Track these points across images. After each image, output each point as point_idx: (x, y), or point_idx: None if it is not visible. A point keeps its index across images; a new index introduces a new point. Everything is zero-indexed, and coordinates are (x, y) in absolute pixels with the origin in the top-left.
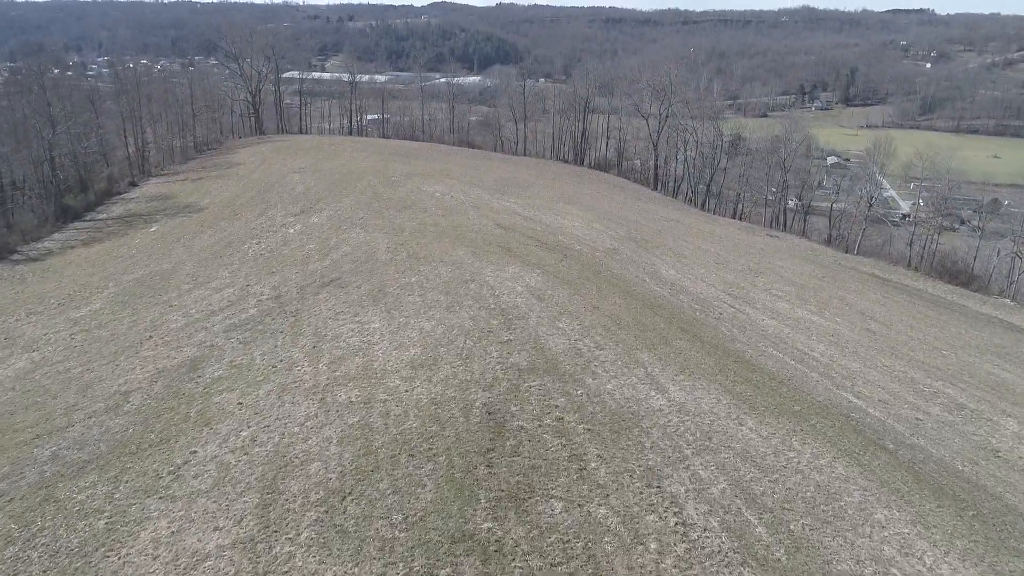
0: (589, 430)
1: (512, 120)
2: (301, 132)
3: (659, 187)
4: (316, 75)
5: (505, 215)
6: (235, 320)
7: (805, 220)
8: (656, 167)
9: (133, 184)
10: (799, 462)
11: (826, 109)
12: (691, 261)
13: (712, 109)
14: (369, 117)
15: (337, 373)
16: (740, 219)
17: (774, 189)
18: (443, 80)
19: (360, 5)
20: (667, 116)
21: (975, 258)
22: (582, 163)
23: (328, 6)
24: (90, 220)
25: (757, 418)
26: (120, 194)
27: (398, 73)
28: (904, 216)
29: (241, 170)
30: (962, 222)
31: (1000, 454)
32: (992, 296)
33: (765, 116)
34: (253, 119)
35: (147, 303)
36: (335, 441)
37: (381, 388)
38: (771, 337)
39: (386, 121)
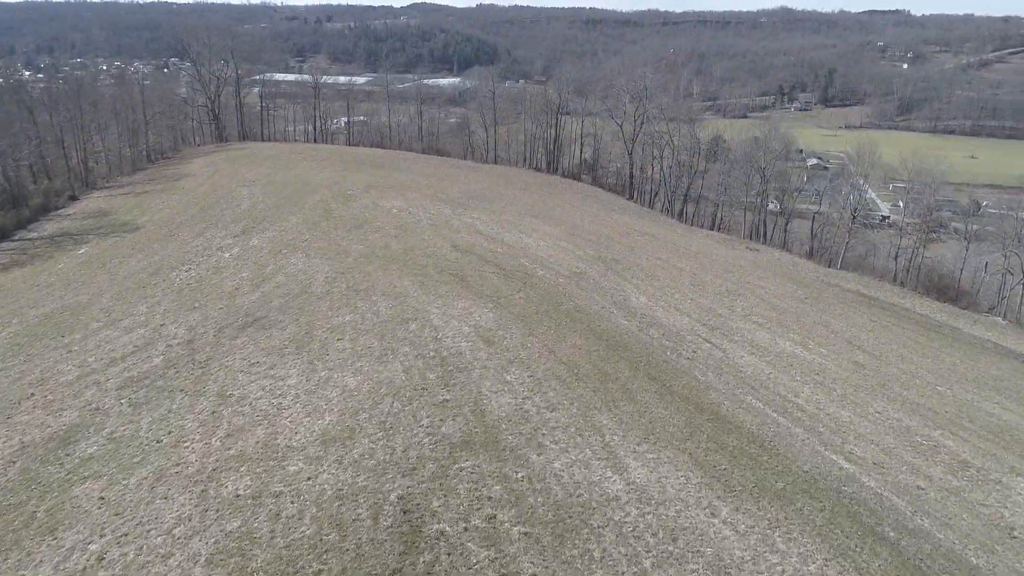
0: (526, 534)
1: (483, 126)
2: (264, 139)
3: (634, 196)
4: (280, 76)
5: (465, 234)
6: (134, 372)
7: (786, 229)
8: (631, 175)
9: (73, 198)
10: (783, 570)
11: (805, 110)
12: (664, 283)
13: (690, 112)
14: (342, 120)
15: (231, 452)
16: (719, 229)
17: (754, 193)
18: (415, 82)
19: (339, 6)
20: (643, 121)
21: (962, 270)
22: (555, 171)
23: (307, 7)
24: (18, 240)
25: (733, 503)
26: (58, 209)
27: (376, 74)
28: (884, 218)
29: (189, 183)
30: (941, 225)
31: (1016, 533)
32: (982, 314)
33: (745, 117)
34: (213, 125)
35: (46, 347)
36: (203, 560)
37: (278, 475)
38: (750, 380)
39: (353, 126)
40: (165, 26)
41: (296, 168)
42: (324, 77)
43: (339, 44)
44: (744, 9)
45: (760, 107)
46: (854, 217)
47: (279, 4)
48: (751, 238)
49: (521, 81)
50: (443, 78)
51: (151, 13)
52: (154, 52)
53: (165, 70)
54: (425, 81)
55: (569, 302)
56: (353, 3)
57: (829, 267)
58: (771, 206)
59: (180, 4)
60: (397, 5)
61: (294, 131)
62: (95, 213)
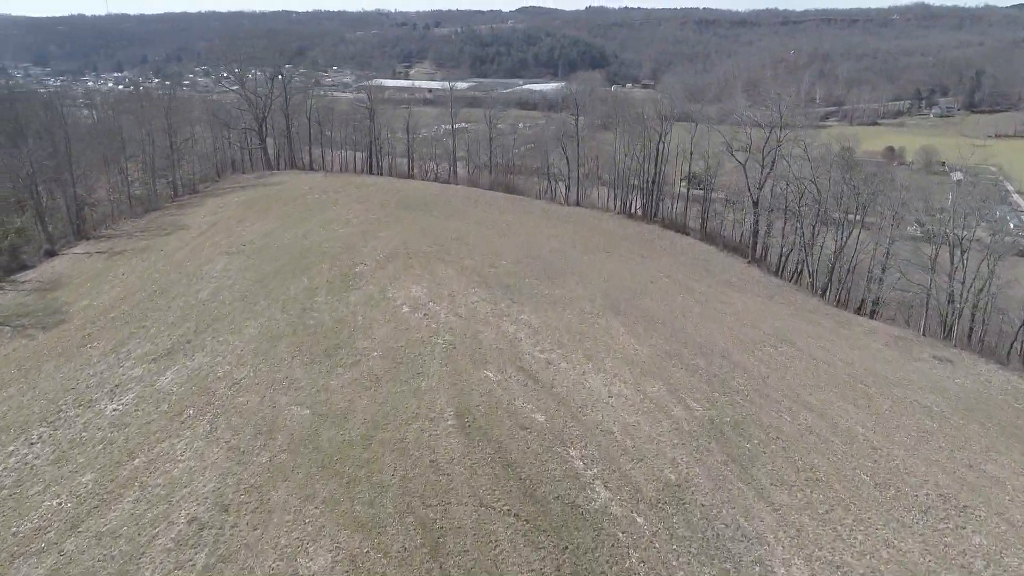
0: None
1: (570, 140)
2: (312, 166)
3: (759, 256)
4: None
5: (494, 370)
6: None
7: (985, 322)
8: (756, 229)
9: (50, 254)
10: None
11: (947, 116)
12: (840, 496)
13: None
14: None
15: None
16: (874, 315)
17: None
18: (523, 86)
19: (448, 11)
20: (774, 159)
21: None
22: (654, 216)
23: (418, 12)
24: None
25: None
26: (25, 269)
27: (480, 80)
28: None
29: (173, 242)
30: None
31: None
32: None
33: (875, 124)
34: (261, 150)
35: None
36: None
37: None
38: None
39: (413, 150)
40: (282, 34)
41: (317, 217)
42: (419, 83)
43: (445, 49)
44: (874, 6)
45: (893, 113)
46: None
47: (392, 11)
48: (923, 324)
49: (628, 84)
50: (546, 83)
51: (271, 22)
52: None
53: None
54: (527, 86)
55: None
56: (462, 8)
57: None
58: (911, 229)
59: (299, 13)
60: (505, 9)
61: (352, 157)
62: (45, 285)
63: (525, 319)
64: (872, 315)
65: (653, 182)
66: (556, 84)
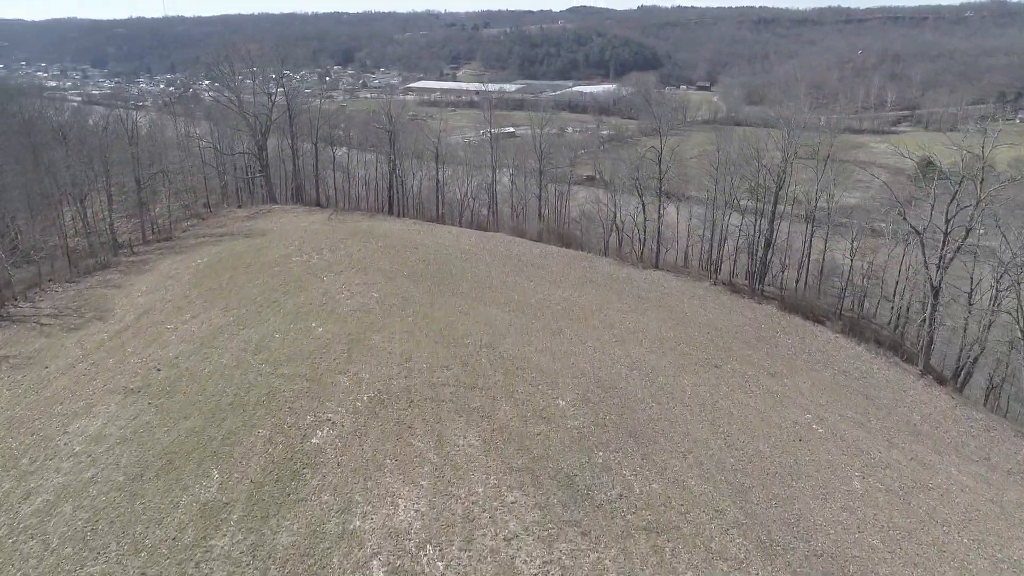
0: None
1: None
2: (319, 201)
3: (929, 358)
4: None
5: None
6: None
7: None
8: (932, 325)
9: None
10: None
11: None
12: None
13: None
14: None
15: None
16: None
17: None
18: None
19: (498, 12)
20: (970, 224)
21: None
22: (762, 289)
23: (467, 13)
24: None
25: None
26: None
27: (529, 81)
28: None
29: (67, 346)
30: None
31: None
32: None
33: (953, 130)
34: (263, 179)
35: None
36: None
37: None
38: None
39: (443, 186)
40: (331, 35)
41: (291, 300)
42: (465, 84)
43: (493, 50)
44: (945, 3)
45: (976, 117)
46: None
47: (442, 11)
48: None
49: (683, 86)
50: (597, 85)
51: (322, 23)
52: (318, 62)
53: (328, 78)
54: (577, 88)
55: None
56: (512, 8)
57: None
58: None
59: (350, 14)
60: (556, 9)
61: (374, 177)
62: None
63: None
64: None
65: (767, 244)
66: (608, 86)
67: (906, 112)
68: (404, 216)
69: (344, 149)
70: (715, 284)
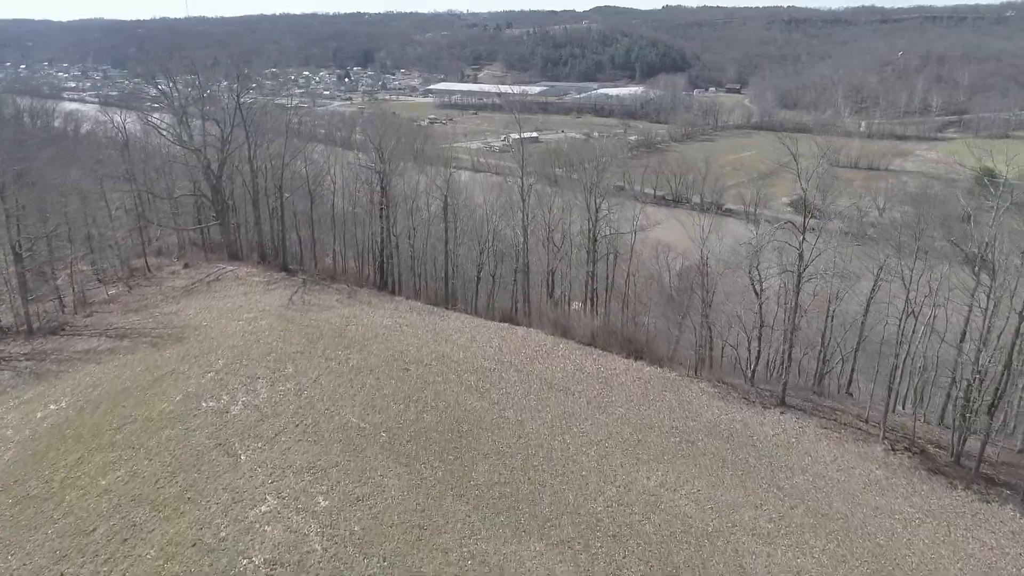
0: None
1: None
2: (287, 264)
3: None
4: (454, 86)
5: None
6: None
7: None
8: None
9: None
10: None
11: None
12: None
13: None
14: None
15: None
16: None
17: None
18: (598, 90)
19: (521, 12)
20: None
21: None
22: (959, 461)
23: (489, 13)
24: None
25: None
26: None
27: (553, 84)
28: None
29: None
30: None
31: None
32: None
33: (1007, 137)
34: (220, 226)
35: None
36: None
37: None
38: None
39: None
40: (350, 35)
41: (163, 531)
42: (487, 86)
43: (515, 51)
44: (983, 2)
45: None
46: None
47: (463, 11)
48: None
49: (712, 89)
50: (623, 87)
51: (341, 24)
52: (339, 61)
53: (346, 79)
54: (603, 90)
55: None
56: (535, 8)
57: None
58: None
59: (369, 14)
60: (580, 9)
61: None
62: None
63: None
64: None
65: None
66: (634, 88)
67: (953, 117)
68: (399, 294)
69: (329, 177)
70: (895, 448)
